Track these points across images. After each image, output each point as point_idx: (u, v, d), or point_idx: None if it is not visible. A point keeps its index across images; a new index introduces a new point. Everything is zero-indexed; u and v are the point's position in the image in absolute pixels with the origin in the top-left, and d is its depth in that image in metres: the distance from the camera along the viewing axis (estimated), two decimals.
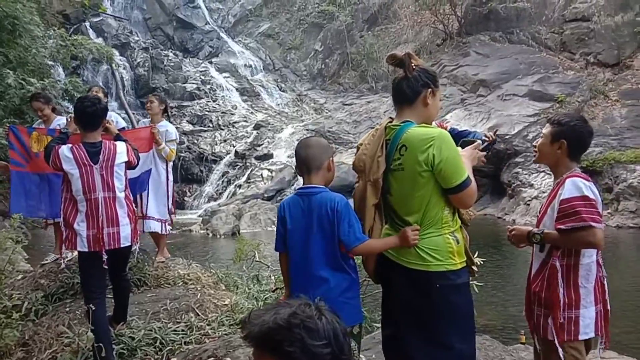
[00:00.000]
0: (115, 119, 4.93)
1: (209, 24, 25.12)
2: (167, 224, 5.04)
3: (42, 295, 3.67)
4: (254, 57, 25.03)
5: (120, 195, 3.38)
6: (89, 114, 3.28)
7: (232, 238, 12.33)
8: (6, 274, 3.62)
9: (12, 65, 13.45)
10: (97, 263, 3.34)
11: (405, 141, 2.29)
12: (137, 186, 4.40)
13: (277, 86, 24.25)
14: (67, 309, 3.67)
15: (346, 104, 22.35)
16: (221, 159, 18.32)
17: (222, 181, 17.62)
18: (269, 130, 19.93)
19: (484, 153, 2.57)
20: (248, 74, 24.00)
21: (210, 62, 23.64)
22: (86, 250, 3.29)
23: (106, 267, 3.34)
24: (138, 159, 3.61)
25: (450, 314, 2.29)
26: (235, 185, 16.96)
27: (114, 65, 19.60)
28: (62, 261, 3.55)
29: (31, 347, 3.53)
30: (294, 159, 13.72)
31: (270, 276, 4.46)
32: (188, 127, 20.12)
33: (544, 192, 13.47)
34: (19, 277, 3.80)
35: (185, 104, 20.95)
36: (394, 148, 2.32)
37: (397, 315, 2.39)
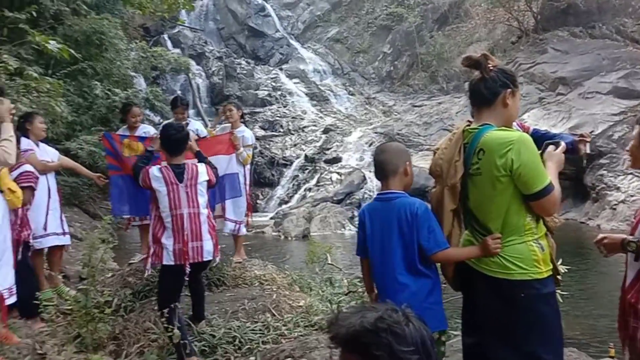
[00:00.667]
0: (198, 128, 5.16)
1: (279, 31, 25.69)
2: (243, 225, 5.21)
3: (130, 292, 3.95)
4: (322, 62, 25.31)
5: (203, 211, 3.59)
6: (174, 141, 3.57)
7: (303, 240, 12.51)
8: (98, 272, 3.89)
9: (99, 77, 14.45)
10: (179, 276, 3.56)
11: (484, 145, 2.23)
12: (226, 189, 4.61)
13: (346, 90, 24.36)
14: (153, 306, 3.84)
15: (416, 106, 22.04)
16: (291, 163, 18.65)
17: (293, 185, 17.92)
18: (338, 134, 20.05)
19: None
20: (317, 79, 24.30)
21: (281, 69, 24.16)
22: (172, 263, 3.49)
23: (187, 279, 3.57)
24: (217, 177, 3.82)
25: (536, 324, 2.20)
26: (305, 189, 17.20)
27: (190, 74, 20.51)
28: (147, 269, 3.76)
29: (121, 341, 3.78)
30: (362, 162, 13.73)
31: (342, 279, 4.50)
32: (260, 133, 20.65)
33: (632, 196, 12.57)
34: (109, 275, 4.08)
35: (257, 110, 21.53)
36: (472, 152, 2.26)
37: (480, 325, 2.32)
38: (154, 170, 3.53)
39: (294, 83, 23.59)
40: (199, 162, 3.78)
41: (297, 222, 13.27)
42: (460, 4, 24.55)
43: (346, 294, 4.27)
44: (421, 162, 16.96)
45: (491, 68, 2.33)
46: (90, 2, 14.36)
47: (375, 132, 19.15)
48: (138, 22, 20.90)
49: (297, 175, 18.11)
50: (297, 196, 17.03)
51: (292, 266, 5.90)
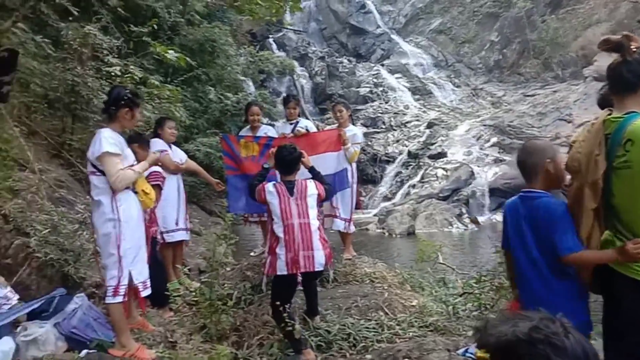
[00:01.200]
0: (307, 125, 5.25)
1: (380, 27, 25.53)
2: (352, 223, 5.21)
3: (249, 286, 4.13)
4: (425, 55, 24.76)
5: (314, 222, 3.71)
6: (288, 162, 3.83)
7: (408, 238, 12.31)
8: (220, 266, 4.10)
9: (212, 83, 15.37)
10: (292, 286, 3.70)
11: (631, 134, 2.01)
12: (336, 184, 4.67)
13: (450, 82, 23.60)
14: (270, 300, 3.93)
15: (528, 95, 20.77)
16: (394, 160, 18.42)
17: (396, 181, 17.69)
18: (443, 128, 19.47)
19: None
20: (419, 73, 23.81)
21: (382, 65, 24.00)
22: (285, 272, 3.62)
23: (301, 288, 3.78)
24: (327, 192, 3.94)
25: None
26: (409, 185, 16.90)
27: (295, 76, 21.06)
28: (263, 283, 4.01)
29: (242, 333, 3.95)
30: (470, 157, 13.10)
31: (457, 280, 4.32)
32: (362, 130, 20.70)
33: None
34: (228, 268, 4.29)
35: (359, 107, 21.55)
36: (617, 143, 2.05)
37: (627, 333, 2.11)
38: (269, 186, 3.77)
39: (396, 78, 23.31)
40: (312, 177, 4.01)
41: (402, 219, 13.08)
42: None
43: (461, 295, 4.11)
44: None
45: (634, 50, 2.09)
46: (202, 12, 15.30)
47: (484, 125, 18.31)
48: (245, 28, 21.88)
49: (401, 172, 17.86)
50: (400, 193, 16.79)
51: (399, 264, 5.77)
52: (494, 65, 23.63)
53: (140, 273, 3.43)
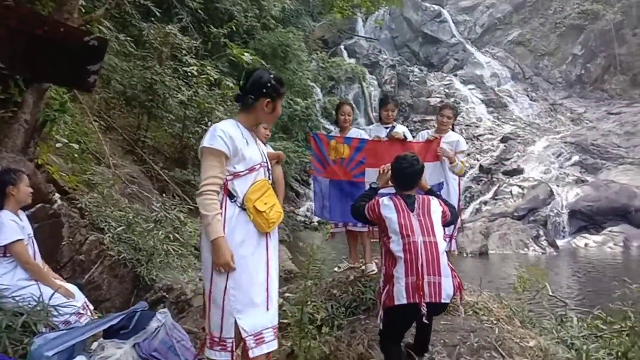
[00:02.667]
0: (404, 131, 4.81)
1: (454, 36, 24.78)
2: (454, 240, 4.68)
3: (337, 306, 3.58)
4: (501, 66, 23.75)
5: (441, 242, 3.02)
6: (409, 175, 3.22)
7: (480, 258, 11.61)
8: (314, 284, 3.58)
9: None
10: (411, 318, 3.00)
11: None
12: None
13: (527, 95, 22.46)
14: (363, 326, 3.46)
15: (612, 113, 19.39)
16: (465, 174, 17.62)
17: (465, 196, 16.91)
18: (519, 143, 18.47)
19: None
20: (495, 85, 22.84)
21: (455, 75, 23.23)
22: (404, 302, 2.87)
23: (427, 322, 2.95)
24: (453, 216, 3.34)
25: None
26: (480, 202, 16.07)
27: (364, 83, 20.74)
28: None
29: None
30: (549, 175, 12.05)
31: (572, 317, 3.67)
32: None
33: None
34: (308, 282, 3.71)
35: (428, 117, 20.92)
36: None
37: None
38: (383, 200, 3.18)
39: (469, 89, 22.47)
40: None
41: (473, 238, 12.37)
42: None
43: (594, 337, 3.38)
44: (622, 178, 14.74)
45: None
46: (277, 17, 15.33)
47: (564, 142, 17.19)
48: (318, 35, 21.84)
49: (471, 187, 17.04)
50: (470, 209, 15.99)
51: (473, 286, 5.04)
52: (575, 80, 22.32)
53: (251, 323, 2.48)
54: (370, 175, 4.30)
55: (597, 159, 16.12)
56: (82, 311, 2.90)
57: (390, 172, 3.38)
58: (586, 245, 12.72)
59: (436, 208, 3.16)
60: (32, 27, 3.28)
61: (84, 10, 3.73)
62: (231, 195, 2.50)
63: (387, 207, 3.11)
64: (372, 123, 20.34)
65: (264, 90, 2.54)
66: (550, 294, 4.44)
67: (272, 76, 2.61)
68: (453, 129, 4.84)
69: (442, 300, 2.90)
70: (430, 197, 3.24)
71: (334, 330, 3.27)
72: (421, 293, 2.85)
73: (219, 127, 2.46)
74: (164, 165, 10.41)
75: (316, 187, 4.54)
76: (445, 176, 4.62)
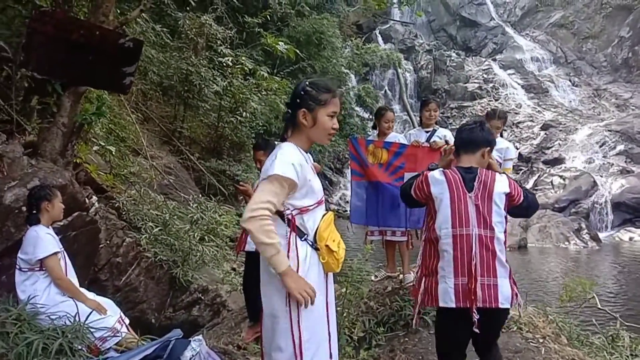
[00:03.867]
0: (446, 135, 4.53)
1: (493, 19, 24.01)
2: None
3: (374, 321, 3.36)
4: (542, 50, 22.91)
5: (500, 236, 2.55)
6: (468, 135, 2.70)
7: (519, 252, 11.31)
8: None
9: (317, 75, 15.17)
10: (464, 326, 2.51)
11: None
12: None
13: (570, 81, 21.62)
14: (402, 345, 3.22)
15: None
16: None
17: None
18: (560, 131, 17.84)
19: None
20: (535, 69, 22.08)
21: (494, 60, 22.55)
22: (453, 306, 2.46)
23: (477, 331, 2.47)
24: (528, 202, 2.73)
25: None
26: None
27: (399, 69, 20.35)
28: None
29: None
30: (592, 165, 11.52)
31: (624, 335, 3.40)
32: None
33: None
34: (348, 290, 3.52)
35: (465, 104, 20.46)
36: None
37: None
38: (434, 173, 2.65)
39: (508, 74, 21.78)
40: None
41: (512, 230, 12.02)
42: None
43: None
44: None
45: None
46: (311, 3, 15.11)
47: (609, 130, 16.48)
48: (352, 20, 21.49)
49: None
50: None
51: (549, 307, 4.49)
52: (621, 64, 21.34)
53: None
54: None
55: None
56: (117, 326, 2.91)
57: (453, 150, 2.88)
58: (631, 239, 12.22)
59: (501, 189, 2.58)
60: (69, 33, 3.28)
61: (119, 12, 3.71)
62: (301, 233, 2.15)
63: (439, 183, 2.59)
64: (407, 110, 20.06)
65: (298, 100, 2.19)
66: (599, 306, 4.22)
67: (307, 82, 2.24)
68: (502, 135, 4.57)
69: (500, 305, 2.47)
70: (497, 174, 2.66)
71: (372, 349, 3.03)
72: (474, 298, 2.44)
73: (288, 155, 2.12)
74: (199, 156, 10.50)
75: (354, 194, 4.37)
76: None
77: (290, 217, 2.14)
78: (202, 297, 3.90)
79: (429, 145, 4.26)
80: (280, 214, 2.14)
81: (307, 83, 2.25)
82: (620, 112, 19.09)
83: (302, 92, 2.19)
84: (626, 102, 19.80)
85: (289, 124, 2.23)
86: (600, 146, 15.99)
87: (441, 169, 2.70)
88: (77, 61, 3.43)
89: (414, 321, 2.68)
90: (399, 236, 4.24)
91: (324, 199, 2.26)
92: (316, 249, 2.16)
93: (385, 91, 20.66)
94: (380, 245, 4.45)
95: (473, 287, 2.44)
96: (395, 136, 4.49)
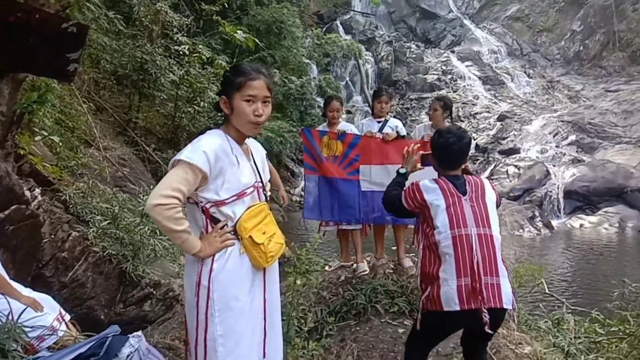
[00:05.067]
0: (398, 125, 4.56)
1: (452, 11, 24.36)
2: None
3: (326, 311, 3.35)
4: (499, 42, 23.43)
5: (497, 236, 2.54)
6: (456, 151, 2.64)
7: None
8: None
9: (277, 65, 15.02)
10: (454, 328, 2.55)
11: None
12: None
13: (525, 72, 22.21)
14: (353, 334, 3.22)
15: (610, 91, 19.19)
16: None
17: None
18: (515, 121, 18.32)
19: None
20: (492, 61, 22.56)
21: (452, 52, 22.91)
22: (457, 308, 2.37)
23: (490, 331, 2.40)
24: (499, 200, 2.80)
25: None
26: None
27: (360, 60, 20.40)
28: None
29: None
30: (546, 155, 11.93)
31: (569, 319, 3.51)
32: (426, 119, 19.86)
33: None
34: (299, 281, 3.49)
35: (425, 95, 20.71)
36: None
37: None
38: (425, 182, 2.63)
39: (466, 66, 22.18)
40: None
41: None
42: None
43: (591, 342, 3.24)
44: (618, 158, 14.64)
45: None
46: None
47: (561, 121, 17.05)
48: (313, 9, 21.38)
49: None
50: None
51: None
52: (573, 57, 22.07)
53: None
54: (365, 173, 4.15)
55: (594, 138, 16.02)
56: (56, 324, 2.78)
57: (417, 153, 2.91)
58: (581, 226, 12.71)
59: (490, 193, 2.62)
60: (4, 15, 3.09)
61: None
62: (215, 220, 2.03)
63: (432, 190, 2.57)
64: (368, 101, 20.14)
65: (221, 89, 2.11)
66: (547, 291, 4.35)
67: (230, 67, 2.17)
68: (452, 121, 4.65)
69: (504, 305, 2.41)
70: (483, 179, 2.71)
71: (323, 339, 2.97)
72: (480, 297, 2.35)
73: (204, 142, 1.99)
74: (156, 147, 10.24)
75: (308, 185, 4.30)
76: None
77: (203, 207, 2.03)
78: (154, 292, 3.79)
79: (381, 137, 4.28)
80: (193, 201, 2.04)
81: (228, 68, 2.20)
82: (573, 103, 19.75)
83: (223, 78, 2.12)
84: (578, 93, 20.49)
85: (221, 112, 2.14)
86: (554, 136, 16.52)
87: (431, 179, 2.67)
88: (14, 46, 3.23)
89: (418, 322, 2.58)
90: (353, 224, 4.23)
91: (254, 191, 2.10)
92: (238, 240, 2.03)
93: (347, 82, 20.69)
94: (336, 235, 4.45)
95: (478, 286, 2.37)
96: (347, 125, 4.49)
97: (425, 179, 2.75)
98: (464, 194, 2.55)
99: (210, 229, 2.03)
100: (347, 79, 20.77)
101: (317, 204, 4.16)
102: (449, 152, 2.64)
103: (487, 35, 23.62)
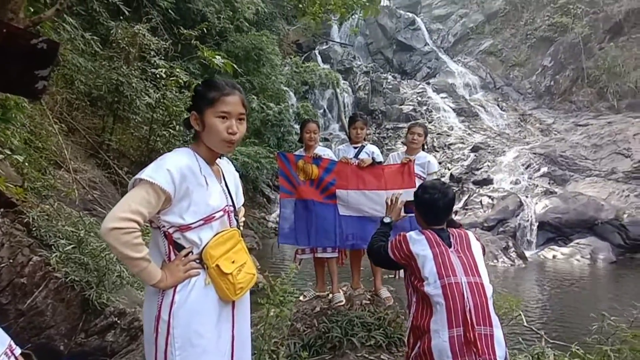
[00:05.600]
0: (374, 151, 4.53)
1: (428, 44, 24.94)
2: None
3: (300, 344, 3.19)
4: (473, 75, 24.01)
5: (488, 285, 2.47)
6: (440, 207, 2.63)
7: None
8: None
9: (255, 91, 15.06)
10: None
11: None
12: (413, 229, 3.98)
13: (498, 105, 22.75)
14: None
15: (580, 125, 19.75)
16: None
17: None
18: (489, 153, 18.62)
19: None
20: (466, 94, 23.07)
21: (428, 83, 23.36)
22: None
23: None
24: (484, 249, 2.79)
25: None
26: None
27: (338, 89, 20.62)
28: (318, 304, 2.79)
29: None
30: (519, 186, 12.08)
31: (548, 355, 3.39)
32: (403, 149, 20.03)
33: None
34: (272, 312, 3.32)
35: (401, 125, 20.96)
36: None
37: None
38: (411, 234, 2.60)
39: (441, 98, 22.61)
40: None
41: None
42: (639, 12, 21.62)
43: None
44: (589, 190, 14.95)
45: None
46: (251, 19, 15.04)
47: (534, 153, 17.38)
48: (292, 39, 21.63)
49: None
50: None
51: None
52: (544, 91, 22.72)
53: None
54: (342, 198, 4.10)
55: (565, 170, 16.36)
56: (3, 359, 2.56)
57: (400, 201, 2.92)
58: (554, 257, 12.83)
59: (475, 242, 2.62)
60: None
61: (32, 10, 3.43)
62: (179, 247, 1.84)
63: (418, 242, 2.53)
64: (345, 130, 20.29)
65: (192, 104, 1.96)
66: (525, 324, 4.30)
67: (202, 82, 2.04)
68: (424, 149, 4.65)
69: (498, 358, 2.28)
70: (467, 231, 2.69)
71: None
72: (474, 349, 2.21)
73: (169, 160, 1.81)
74: (129, 170, 10.01)
75: (284, 211, 4.19)
76: None
77: (166, 232, 1.84)
78: (119, 321, 3.59)
79: (356, 162, 4.25)
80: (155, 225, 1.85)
81: (200, 82, 2.04)
82: (544, 136, 20.21)
83: (194, 93, 1.98)
84: (549, 127, 21.01)
85: (191, 130, 1.99)
86: (526, 168, 16.81)
87: (417, 230, 2.65)
88: None
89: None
90: (329, 252, 4.15)
91: (224, 215, 1.92)
92: (204, 269, 1.85)
93: (324, 110, 20.84)
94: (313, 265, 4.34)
95: (472, 336, 2.24)
96: (324, 150, 4.45)
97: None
98: (450, 245, 2.52)
99: (173, 257, 1.84)
100: (325, 107, 20.93)
101: (293, 230, 4.07)
102: (435, 209, 2.62)
103: (461, 68, 24.19)
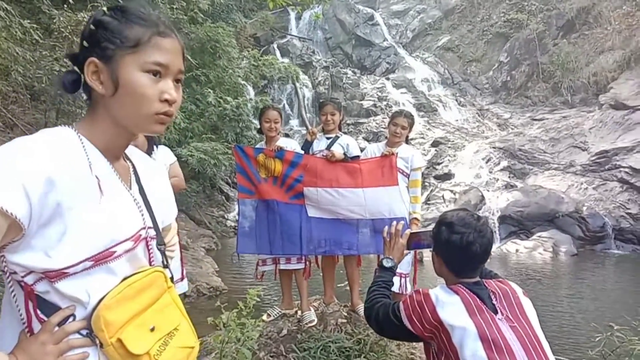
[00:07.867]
0: (349, 143, 4.05)
1: (386, 40, 24.84)
2: (409, 280, 3.92)
3: None
4: (431, 71, 24.08)
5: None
6: (476, 253, 1.85)
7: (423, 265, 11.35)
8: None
9: (211, 85, 14.41)
10: None
11: None
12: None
13: (456, 100, 22.89)
14: None
15: (535, 119, 20.09)
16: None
17: None
18: (449, 147, 18.64)
19: None
20: (425, 89, 23.10)
21: (387, 79, 23.25)
22: None
23: None
24: None
25: None
26: None
27: (297, 84, 20.19)
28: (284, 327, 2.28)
29: None
30: (480, 180, 11.98)
31: None
32: (363, 144, 19.85)
33: None
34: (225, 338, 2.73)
35: (361, 120, 20.76)
36: None
37: None
38: (437, 293, 1.82)
39: (401, 93, 22.55)
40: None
41: None
42: (589, 10, 22.18)
43: None
44: (549, 183, 15.14)
45: None
46: (206, 11, 14.39)
47: (493, 147, 17.49)
48: (250, 32, 21.02)
49: None
50: None
51: None
52: (501, 87, 23.03)
53: None
54: (311, 197, 3.56)
55: (524, 164, 16.52)
56: None
57: (403, 234, 2.17)
58: (517, 250, 12.86)
59: (526, 301, 1.87)
60: None
61: None
62: (49, 308, 1.00)
63: (450, 306, 1.76)
64: (306, 125, 19.89)
65: (85, 44, 1.09)
66: None
67: (111, 8, 1.15)
68: (407, 142, 4.20)
69: None
70: (509, 283, 1.95)
71: None
72: None
73: (22, 156, 0.95)
74: None
75: (242, 211, 3.62)
76: (406, 207, 3.83)
77: (22, 283, 1.00)
78: None
79: (325, 154, 3.76)
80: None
81: (105, 10, 1.14)
82: (502, 130, 20.44)
83: (93, 27, 1.09)
84: (506, 121, 21.27)
85: (86, 92, 1.14)
86: (486, 162, 16.89)
87: (446, 288, 1.88)
88: None
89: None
90: (294, 263, 3.61)
91: (135, 246, 1.09)
92: (95, 345, 1.01)
93: (284, 105, 20.37)
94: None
95: None
96: (288, 141, 3.90)
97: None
98: (495, 311, 1.78)
99: (37, 326, 1.01)
100: (285, 101, 20.47)
101: (254, 235, 3.50)
102: (469, 255, 1.85)
103: (420, 64, 24.23)
